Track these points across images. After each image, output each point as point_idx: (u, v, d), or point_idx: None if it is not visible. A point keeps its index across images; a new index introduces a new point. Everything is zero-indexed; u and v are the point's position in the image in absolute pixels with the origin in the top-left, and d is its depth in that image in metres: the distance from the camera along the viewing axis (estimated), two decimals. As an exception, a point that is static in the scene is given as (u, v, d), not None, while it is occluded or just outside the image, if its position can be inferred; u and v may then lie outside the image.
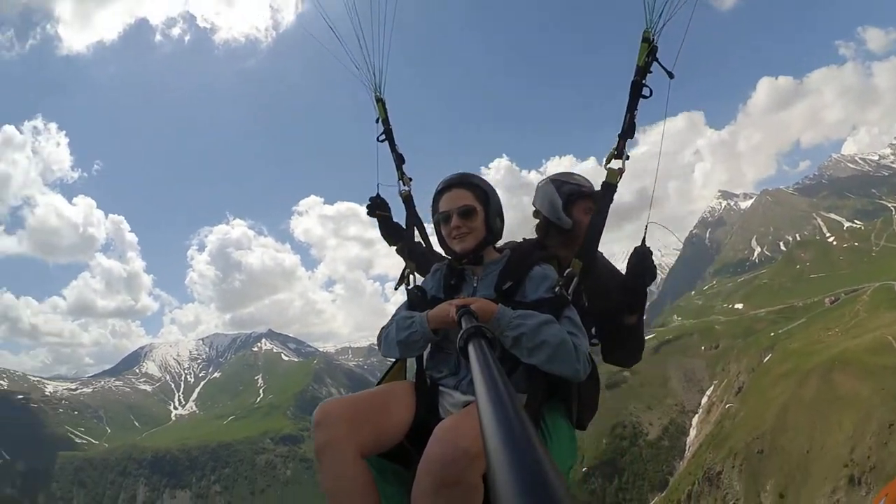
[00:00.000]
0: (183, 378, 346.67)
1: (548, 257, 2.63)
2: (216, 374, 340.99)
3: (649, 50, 2.63)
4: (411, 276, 3.11)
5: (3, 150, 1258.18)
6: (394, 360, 2.70)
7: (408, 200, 3.43)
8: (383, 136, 3.52)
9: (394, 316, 2.59)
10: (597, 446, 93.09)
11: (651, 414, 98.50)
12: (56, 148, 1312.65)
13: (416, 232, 3.42)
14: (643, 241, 2.72)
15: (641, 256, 2.71)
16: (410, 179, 3.46)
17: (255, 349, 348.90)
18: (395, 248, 3.43)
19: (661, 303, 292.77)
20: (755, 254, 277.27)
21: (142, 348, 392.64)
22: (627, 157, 2.69)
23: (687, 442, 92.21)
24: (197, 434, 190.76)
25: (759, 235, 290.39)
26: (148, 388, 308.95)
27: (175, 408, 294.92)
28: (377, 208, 3.48)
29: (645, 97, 2.66)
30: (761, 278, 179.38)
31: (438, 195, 2.64)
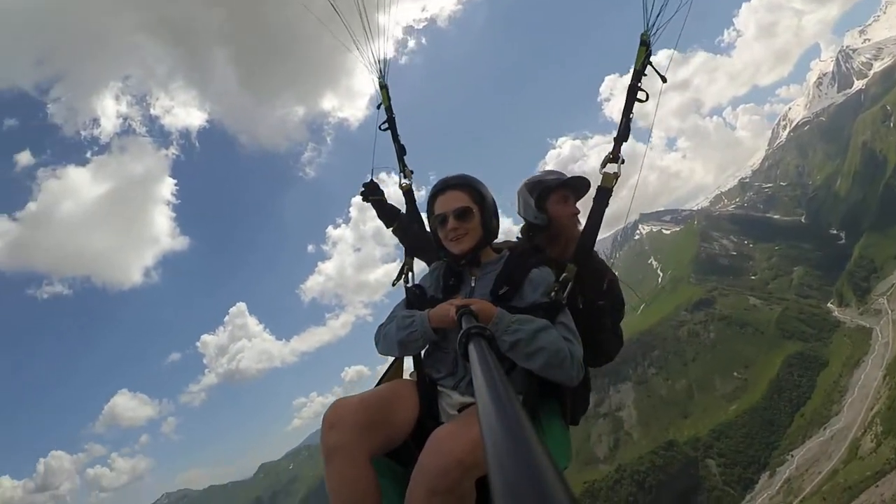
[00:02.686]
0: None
1: (545, 261, 2.65)
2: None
3: (647, 53, 2.64)
4: (410, 273, 3.13)
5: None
6: (392, 358, 2.81)
7: (408, 193, 3.41)
8: (385, 125, 3.46)
9: (392, 314, 2.65)
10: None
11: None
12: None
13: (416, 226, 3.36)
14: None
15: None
16: (412, 172, 3.42)
17: (637, 237, 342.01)
18: (391, 229, 3.45)
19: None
20: None
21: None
22: (623, 161, 2.68)
23: None
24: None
25: None
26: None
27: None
28: (371, 193, 3.51)
29: (641, 101, 2.68)
30: None
31: (433, 198, 2.65)
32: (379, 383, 2.77)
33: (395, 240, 3.39)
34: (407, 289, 2.86)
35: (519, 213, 3.22)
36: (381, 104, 3.52)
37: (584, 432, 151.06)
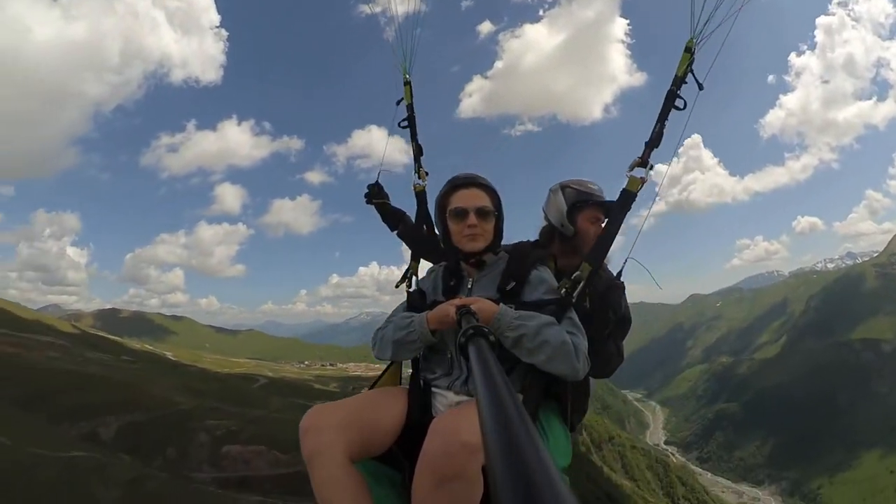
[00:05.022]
0: None
1: (545, 257, 2.65)
2: None
3: (690, 60, 2.59)
4: (414, 277, 3.00)
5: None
6: (388, 363, 2.74)
7: (421, 195, 3.23)
8: (405, 122, 3.34)
9: (390, 317, 2.61)
10: None
11: None
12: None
13: (425, 228, 3.24)
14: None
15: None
16: (427, 174, 3.24)
17: None
18: (395, 232, 3.32)
19: None
20: None
21: None
22: (651, 167, 2.60)
23: None
24: None
25: None
26: None
27: None
28: (375, 196, 3.37)
29: (679, 108, 2.59)
30: None
31: (452, 190, 2.61)
32: (370, 389, 2.73)
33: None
34: (409, 293, 2.85)
35: (543, 210, 3.10)
36: (401, 100, 3.39)
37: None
